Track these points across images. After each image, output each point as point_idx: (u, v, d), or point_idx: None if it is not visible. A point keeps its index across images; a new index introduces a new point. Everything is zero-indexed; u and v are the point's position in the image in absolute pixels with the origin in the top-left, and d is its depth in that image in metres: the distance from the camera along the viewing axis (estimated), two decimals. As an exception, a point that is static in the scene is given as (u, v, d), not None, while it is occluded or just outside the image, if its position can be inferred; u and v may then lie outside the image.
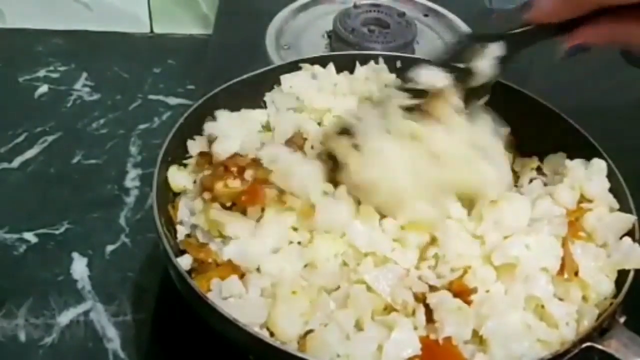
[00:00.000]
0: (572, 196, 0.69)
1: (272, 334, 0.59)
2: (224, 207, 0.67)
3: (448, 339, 0.57)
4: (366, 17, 1.00)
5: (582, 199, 0.70)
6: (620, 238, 0.65)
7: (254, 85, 0.78)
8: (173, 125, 0.72)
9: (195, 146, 0.73)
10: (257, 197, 0.67)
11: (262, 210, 0.66)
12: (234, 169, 0.70)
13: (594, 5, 0.60)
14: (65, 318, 0.74)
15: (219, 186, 0.68)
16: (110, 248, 0.82)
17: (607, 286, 0.63)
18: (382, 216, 0.65)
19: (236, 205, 0.67)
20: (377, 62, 0.82)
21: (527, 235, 0.63)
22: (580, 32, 0.62)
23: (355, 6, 1.01)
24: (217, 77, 0.81)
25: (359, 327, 0.59)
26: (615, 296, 0.61)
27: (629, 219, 0.66)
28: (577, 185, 0.70)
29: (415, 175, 0.64)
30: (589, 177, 0.70)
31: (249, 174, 0.69)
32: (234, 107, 0.77)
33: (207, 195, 0.68)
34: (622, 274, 0.62)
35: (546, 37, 0.64)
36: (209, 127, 0.73)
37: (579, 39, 0.62)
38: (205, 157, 0.71)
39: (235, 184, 0.68)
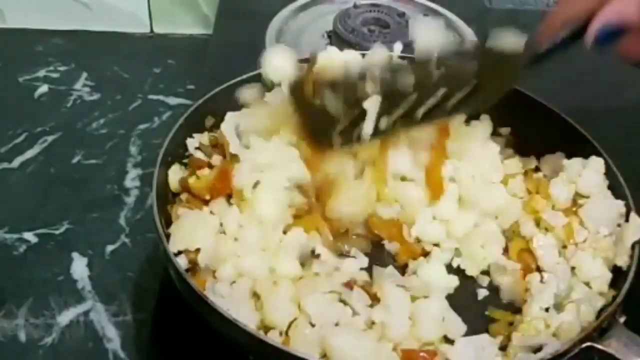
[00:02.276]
0: (566, 192, 0.69)
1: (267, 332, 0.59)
2: (205, 202, 0.68)
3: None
4: (366, 17, 1.00)
5: (578, 196, 0.70)
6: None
7: (254, 85, 0.78)
8: (173, 125, 0.72)
9: (195, 144, 0.73)
10: (228, 181, 0.67)
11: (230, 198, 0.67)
12: (204, 160, 0.70)
13: None
14: (65, 318, 0.74)
15: (192, 181, 0.68)
16: (110, 248, 0.82)
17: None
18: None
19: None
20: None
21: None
22: (603, 10, 0.55)
23: (355, 6, 1.01)
24: (217, 77, 0.81)
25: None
26: (615, 296, 0.61)
27: (618, 205, 0.66)
28: (572, 181, 0.70)
29: None
30: (584, 173, 0.70)
31: (216, 159, 0.70)
32: (234, 107, 0.77)
33: (184, 195, 0.68)
34: (621, 274, 0.62)
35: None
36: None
37: (603, 16, 0.55)
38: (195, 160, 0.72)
39: (204, 172, 0.69)
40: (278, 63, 0.71)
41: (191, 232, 0.63)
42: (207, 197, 0.68)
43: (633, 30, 0.55)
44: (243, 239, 0.64)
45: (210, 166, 0.70)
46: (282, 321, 0.59)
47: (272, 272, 0.63)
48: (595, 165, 0.71)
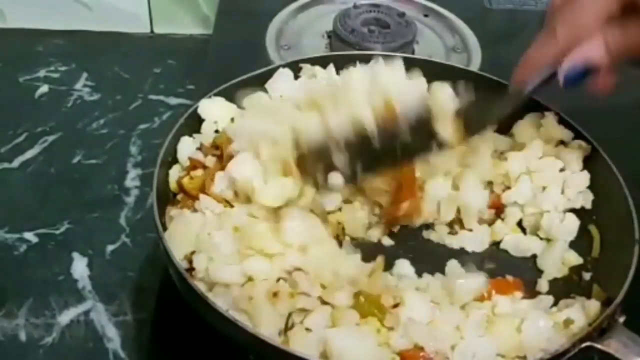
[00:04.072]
0: None
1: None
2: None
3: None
4: (366, 17, 1.00)
5: None
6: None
7: (254, 85, 0.78)
8: (173, 125, 0.72)
9: (196, 144, 0.73)
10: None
11: None
12: (201, 160, 0.71)
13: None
14: (65, 318, 0.74)
15: (185, 181, 0.69)
16: (110, 248, 0.82)
17: None
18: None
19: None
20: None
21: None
22: (572, 52, 0.59)
23: (355, 6, 1.01)
24: (217, 77, 0.81)
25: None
26: (614, 296, 0.61)
27: None
28: None
29: None
30: None
31: (210, 161, 0.70)
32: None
33: (180, 196, 0.69)
34: (621, 274, 0.62)
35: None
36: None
37: (572, 57, 0.59)
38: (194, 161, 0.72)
39: (197, 173, 0.69)
40: (215, 110, 0.73)
41: (185, 237, 0.63)
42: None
43: (600, 70, 0.60)
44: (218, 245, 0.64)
45: (205, 167, 0.70)
46: (274, 331, 0.59)
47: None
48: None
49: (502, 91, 0.67)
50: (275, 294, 0.60)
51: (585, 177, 0.72)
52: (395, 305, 0.61)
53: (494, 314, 0.61)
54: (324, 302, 0.61)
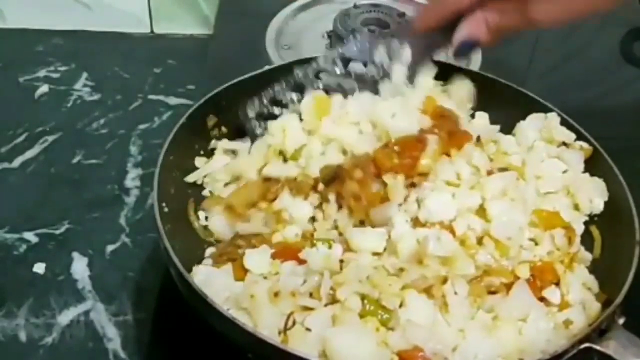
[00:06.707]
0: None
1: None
2: None
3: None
4: (366, 17, 1.00)
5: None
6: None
7: (254, 85, 0.78)
8: (173, 125, 0.72)
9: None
10: None
11: None
12: None
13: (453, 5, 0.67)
14: (65, 318, 0.74)
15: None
16: (110, 248, 0.82)
17: None
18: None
19: None
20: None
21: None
22: (461, 28, 0.68)
23: (355, 6, 1.01)
24: (217, 77, 0.81)
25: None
26: (614, 297, 0.61)
27: None
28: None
29: None
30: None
31: None
32: (234, 107, 0.77)
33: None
34: (621, 275, 0.62)
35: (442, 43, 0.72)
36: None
37: (462, 34, 0.68)
38: None
39: None
40: None
41: None
42: None
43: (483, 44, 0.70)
44: None
45: None
46: (274, 330, 0.59)
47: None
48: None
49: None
50: (276, 294, 0.60)
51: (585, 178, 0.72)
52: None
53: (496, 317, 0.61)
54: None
